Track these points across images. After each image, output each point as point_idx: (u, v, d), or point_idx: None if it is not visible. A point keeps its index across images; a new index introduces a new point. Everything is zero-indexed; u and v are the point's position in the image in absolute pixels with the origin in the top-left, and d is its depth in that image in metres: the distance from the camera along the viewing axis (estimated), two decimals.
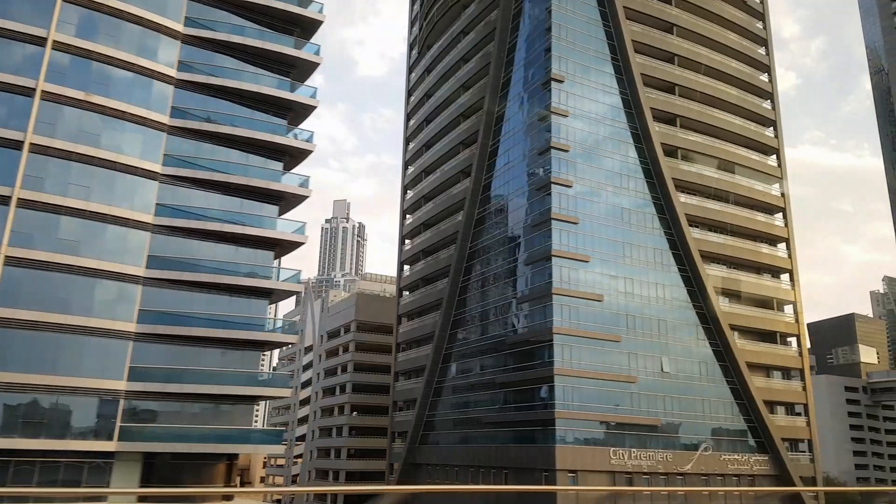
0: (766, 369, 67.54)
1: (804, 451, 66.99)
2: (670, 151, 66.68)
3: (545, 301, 58.14)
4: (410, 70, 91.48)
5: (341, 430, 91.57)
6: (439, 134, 79.44)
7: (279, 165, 46.34)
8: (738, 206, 69.73)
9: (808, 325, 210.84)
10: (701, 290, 64.11)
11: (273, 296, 46.84)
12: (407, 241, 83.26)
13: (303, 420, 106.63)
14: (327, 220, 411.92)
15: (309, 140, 47.44)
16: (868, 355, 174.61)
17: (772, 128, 75.47)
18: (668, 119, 67.54)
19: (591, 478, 53.93)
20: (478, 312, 68.03)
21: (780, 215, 73.22)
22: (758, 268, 70.02)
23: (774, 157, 74.66)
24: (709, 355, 63.87)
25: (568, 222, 59.60)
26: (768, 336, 68.35)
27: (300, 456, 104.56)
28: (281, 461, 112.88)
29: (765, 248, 70.53)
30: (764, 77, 76.72)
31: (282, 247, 46.39)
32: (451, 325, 70.91)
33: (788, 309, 71.62)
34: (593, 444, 56.16)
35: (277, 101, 46.12)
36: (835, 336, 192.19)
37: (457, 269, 70.43)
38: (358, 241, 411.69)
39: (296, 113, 47.51)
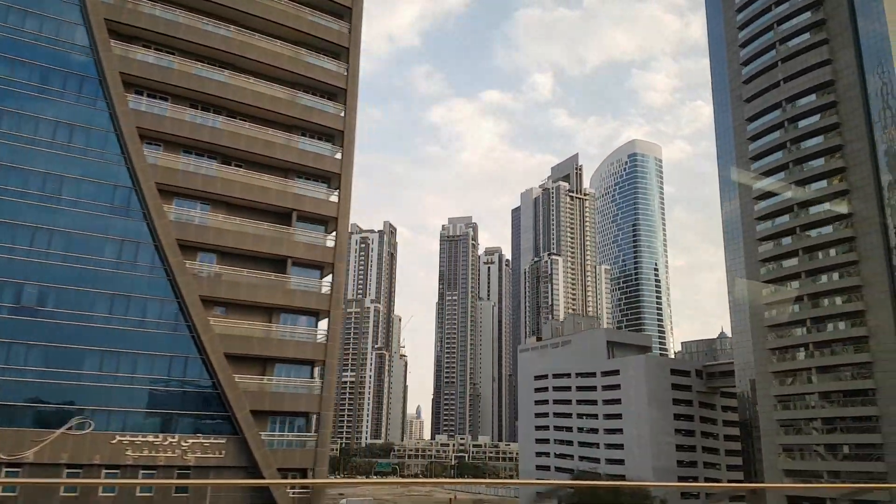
0: (270, 311, 45.48)
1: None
2: None
3: None
4: None
5: None
6: None
7: None
8: (245, 73, 47.50)
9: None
10: (138, 184, 42.17)
11: None
12: None
13: None
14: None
15: None
16: None
17: None
18: None
19: None
20: None
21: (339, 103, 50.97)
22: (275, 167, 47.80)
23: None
24: (145, 283, 41.88)
25: None
26: (279, 264, 46.23)
27: None
28: None
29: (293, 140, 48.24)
30: None
31: None
32: None
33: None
34: None
35: None
36: None
37: None
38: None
39: None
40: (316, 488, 40.67)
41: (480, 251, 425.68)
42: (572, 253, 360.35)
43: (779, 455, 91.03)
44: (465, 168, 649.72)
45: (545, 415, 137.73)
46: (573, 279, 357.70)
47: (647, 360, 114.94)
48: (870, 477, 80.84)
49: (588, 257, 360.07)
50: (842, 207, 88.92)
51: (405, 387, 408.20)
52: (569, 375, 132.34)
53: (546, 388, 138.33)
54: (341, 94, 50.06)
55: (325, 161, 48.29)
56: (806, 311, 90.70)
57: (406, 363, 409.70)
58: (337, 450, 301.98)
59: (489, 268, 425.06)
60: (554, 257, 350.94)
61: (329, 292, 46.14)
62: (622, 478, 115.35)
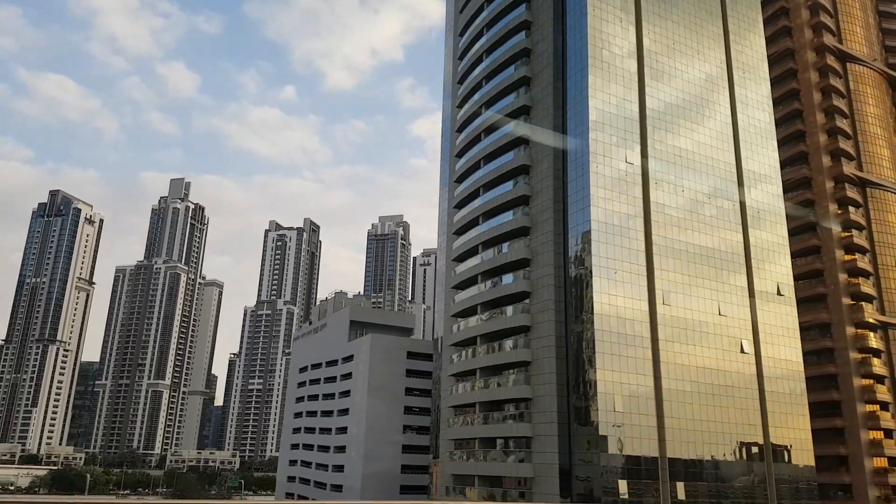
0: None
1: None
2: None
3: None
4: None
5: None
6: None
7: None
8: None
9: None
10: None
11: None
12: None
13: None
14: (160, 200, 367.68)
15: None
16: None
17: None
18: None
19: None
20: None
21: None
22: None
23: None
24: None
25: None
26: None
27: None
28: None
29: None
30: None
31: None
32: None
33: None
34: None
35: None
36: None
37: None
38: (192, 225, 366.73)
39: None
40: None
41: (417, 252, 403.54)
42: None
43: (451, 454, 69.27)
44: None
45: (300, 414, 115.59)
46: None
47: (372, 341, 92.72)
48: (517, 484, 59.08)
49: None
50: (520, 130, 67.74)
51: None
52: (321, 365, 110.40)
53: (305, 383, 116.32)
54: None
55: None
56: (480, 265, 69.27)
57: None
58: (237, 462, 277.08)
59: (425, 270, 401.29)
60: None
61: None
62: (339, 490, 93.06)
